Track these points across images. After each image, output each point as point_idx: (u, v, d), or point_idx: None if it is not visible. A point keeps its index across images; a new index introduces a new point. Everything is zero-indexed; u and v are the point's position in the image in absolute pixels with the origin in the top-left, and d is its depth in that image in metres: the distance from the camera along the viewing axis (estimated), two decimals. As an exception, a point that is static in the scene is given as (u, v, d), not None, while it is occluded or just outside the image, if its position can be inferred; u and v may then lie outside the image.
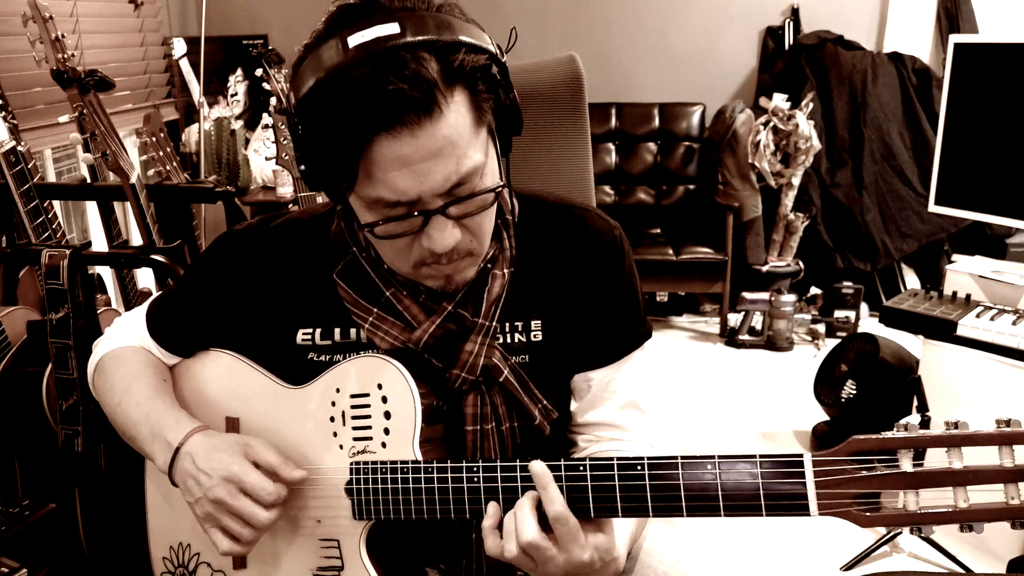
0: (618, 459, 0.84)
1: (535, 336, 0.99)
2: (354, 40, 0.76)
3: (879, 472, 0.77)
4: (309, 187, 0.90)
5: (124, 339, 1.11)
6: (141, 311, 1.12)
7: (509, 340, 0.99)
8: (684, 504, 0.81)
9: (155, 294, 1.16)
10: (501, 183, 0.86)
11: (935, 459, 0.77)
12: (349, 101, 0.76)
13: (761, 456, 0.80)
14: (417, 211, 0.82)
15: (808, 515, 0.78)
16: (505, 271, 0.97)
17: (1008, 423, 0.75)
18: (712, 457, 0.81)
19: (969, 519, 0.75)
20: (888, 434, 0.77)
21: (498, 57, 0.83)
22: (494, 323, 0.96)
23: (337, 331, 1.00)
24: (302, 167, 0.86)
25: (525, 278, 0.99)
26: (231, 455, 0.92)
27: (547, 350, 1.00)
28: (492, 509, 0.86)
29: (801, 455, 0.78)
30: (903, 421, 0.78)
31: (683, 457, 0.82)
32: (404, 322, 0.96)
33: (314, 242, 1.01)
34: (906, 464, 0.77)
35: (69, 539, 1.83)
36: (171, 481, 0.96)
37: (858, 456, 0.77)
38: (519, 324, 0.99)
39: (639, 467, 0.82)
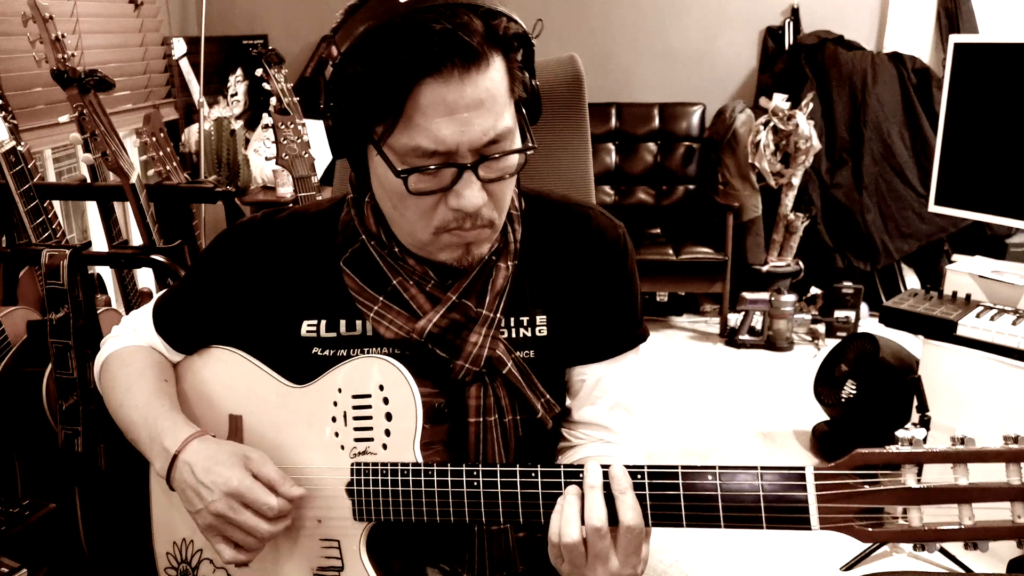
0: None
1: (540, 331, 1.00)
2: None
3: (883, 487, 0.75)
4: (334, 153, 0.90)
5: (130, 338, 1.11)
6: (148, 308, 1.12)
7: (515, 335, 0.99)
8: (684, 514, 0.81)
9: (160, 292, 1.16)
10: (532, 146, 0.88)
11: (941, 474, 0.76)
12: (401, 42, 0.78)
13: (763, 468, 0.79)
14: (451, 164, 0.83)
15: (809, 529, 0.77)
16: (509, 264, 0.98)
17: (1016, 439, 0.74)
18: (713, 468, 0.81)
19: (974, 537, 0.74)
20: (893, 448, 0.76)
21: (529, 37, 0.86)
22: (498, 315, 0.97)
23: (343, 323, 1.00)
24: (332, 125, 0.87)
25: (529, 273, 1.00)
26: (231, 468, 0.92)
27: (552, 345, 1.00)
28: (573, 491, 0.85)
29: (803, 468, 0.78)
30: (908, 435, 0.76)
31: (683, 467, 0.82)
32: (410, 311, 0.96)
33: (320, 234, 1.01)
34: (910, 479, 0.75)
35: (69, 539, 1.83)
36: (169, 486, 0.96)
37: (861, 470, 0.76)
38: (524, 319, 1.00)
39: (639, 476, 0.83)
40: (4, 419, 1.78)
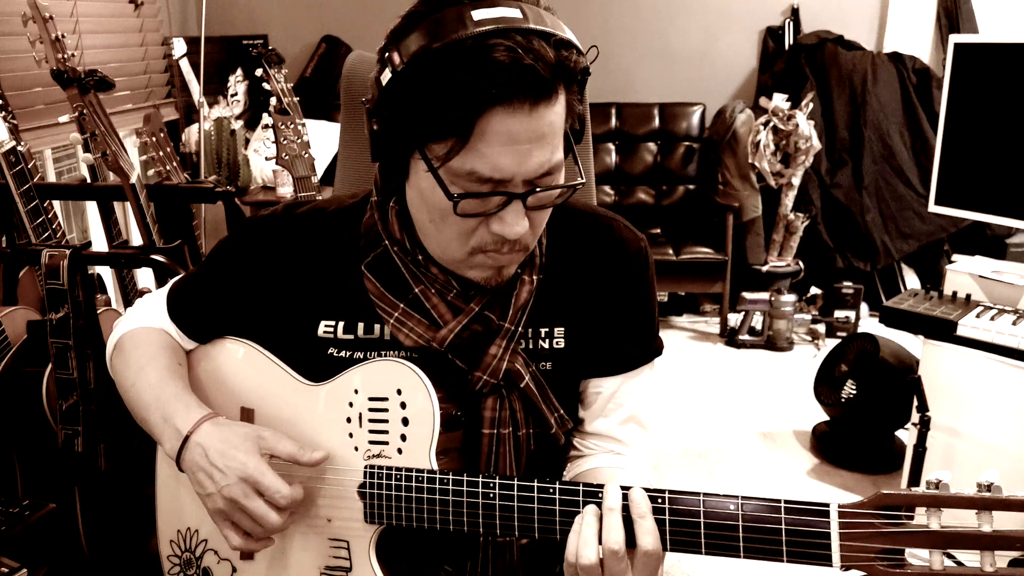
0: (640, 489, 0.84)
1: (558, 343, 1.00)
2: (478, 15, 0.78)
3: (906, 529, 0.75)
4: (373, 157, 0.89)
5: (144, 320, 1.10)
6: (162, 294, 1.11)
7: (533, 346, 0.99)
8: (703, 542, 0.81)
9: (175, 278, 1.15)
10: (582, 180, 0.87)
11: (965, 518, 0.75)
12: (474, 66, 0.77)
13: (786, 501, 0.79)
14: (503, 192, 0.83)
15: (830, 565, 0.76)
16: (534, 277, 0.97)
17: None
18: (736, 497, 0.80)
19: None
20: (918, 490, 0.75)
21: (588, 68, 0.86)
22: (519, 328, 0.96)
23: (360, 325, 0.99)
24: (380, 131, 0.86)
25: (551, 285, 0.99)
26: (246, 453, 0.91)
27: (569, 358, 1.00)
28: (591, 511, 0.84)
29: (828, 504, 0.78)
30: (934, 478, 0.75)
31: (705, 494, 0.81)
32: (430, 320, 0.95)
33: (341, 233, 1.00)
34: (934, 523, 0.75)
35: (69, 539, 1.83)
36: (179, 467, 0.96)
37: (885, 510, 0.75)
38: (543, 331, 0.99)
39: (660, 500, 0.82)
40: (4, 419, 1.78)
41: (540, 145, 0.81)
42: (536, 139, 0.80)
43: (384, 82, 0.83)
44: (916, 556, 0.76)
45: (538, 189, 0.84)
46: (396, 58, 0.81)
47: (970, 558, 0.75)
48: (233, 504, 0.91)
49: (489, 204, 0.84)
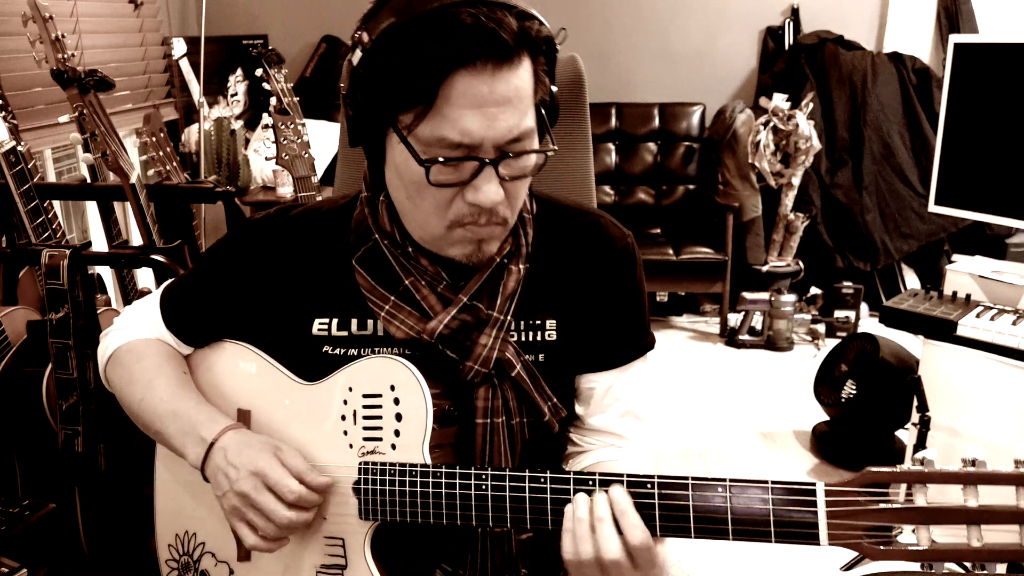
0: (628, 476, 0.84)
1: (549, 335, 1.00)
2: None
3: (893, 506, 0.76)
4: (351, 142, 0.91)
5: (139, 330, 1.10)
6: (153, 300, 1.11)
7: (524, 339, 1.00)
8: (692, 525, 0.81)
9: (164, 284, 1.15)
10: (554, 147, 0.89)
11: (951, 494, 0.76)
12: (437, 34, 0.79)
13: (773, 482, 0.79)
14: (474, 157, 0.84)
15: (818, 544, 0.77)
16: (521, 267, 0.98)
17: None
18: (723, 480, 0.81)
19: (982, 559, 0.74)
20: (904, 468, 0.76)
21: (555, 43, 0.87)
22: (508, 318, 0.97)
23: (354, 322, 1.00)
24: (354, 113, 0.88)
25: (540, 277, 1.00)
26: (259, 451, 0.93)
27: (560, 350, 1.00)
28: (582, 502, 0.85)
29: (814, 484, 0.78)
30: (920, 455, 0.76)
31: (694, 478, 0.82)
32: (421, 312, 0.96)
33: (334, 231, 1.01)
34: (920, 499, 0.75)
35: (69, 539, 1.83)
36: (203, 477, 0.96)
37: (872, 488, 0.76)
38: (534, 323, 1.00)
39: (649, 485, 0.83)
40: (4, 419, 1.78)
41: (507, 109, 0.82)
42: (502, 102, 0.82)
43: (355, 63, 0.85)
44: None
45: (510, 154, 0.85)
46: (365, 37, 0.83)
47: (956, 533, 0.75)
48: (244, 499, 0.91)
49: (462, 173, 0.85)
